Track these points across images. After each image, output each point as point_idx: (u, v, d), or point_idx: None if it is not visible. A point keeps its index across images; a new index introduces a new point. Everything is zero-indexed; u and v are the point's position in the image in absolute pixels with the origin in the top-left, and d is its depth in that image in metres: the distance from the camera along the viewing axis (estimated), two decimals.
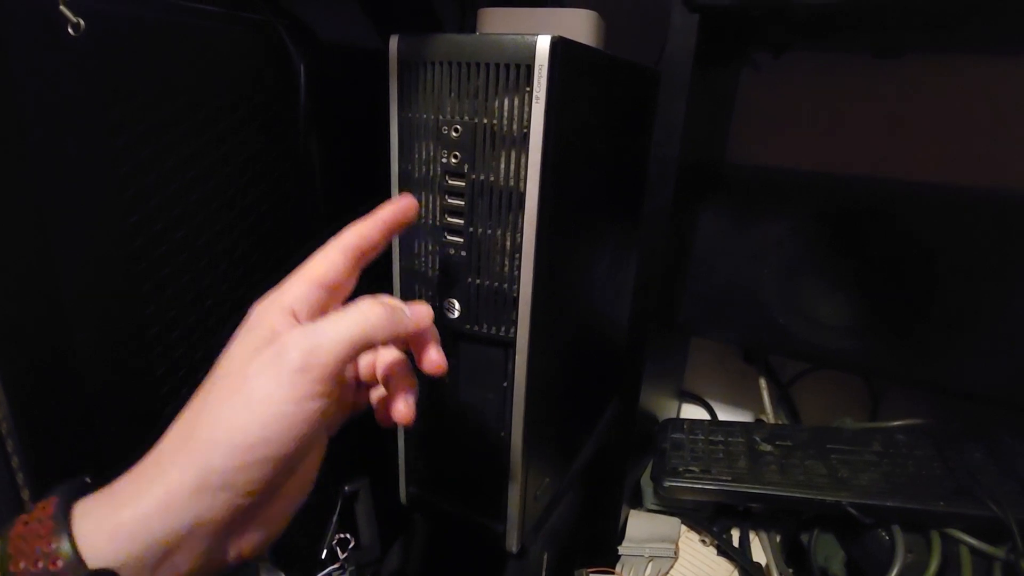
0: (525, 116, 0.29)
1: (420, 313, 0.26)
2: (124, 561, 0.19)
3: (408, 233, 0.35)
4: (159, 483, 0.20)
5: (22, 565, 0.18)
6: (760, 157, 0.54)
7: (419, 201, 0.34)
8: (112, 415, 0.29)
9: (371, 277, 0.39)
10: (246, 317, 0.24)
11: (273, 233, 0.37)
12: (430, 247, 0.34)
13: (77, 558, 0.18)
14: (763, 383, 0.57)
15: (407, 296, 0.37)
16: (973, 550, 0.39)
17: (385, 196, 0.35)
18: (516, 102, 0.29)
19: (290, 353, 0.21)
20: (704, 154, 0.50)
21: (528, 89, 0.28)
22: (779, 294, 0.49)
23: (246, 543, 0.22)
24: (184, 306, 0.32)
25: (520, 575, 0.39)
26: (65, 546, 0.18)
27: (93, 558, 0.18)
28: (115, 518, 0.19)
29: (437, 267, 0.34)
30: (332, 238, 0.26)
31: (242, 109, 0.34)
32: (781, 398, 0.58)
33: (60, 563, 0.18)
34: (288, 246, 0.38)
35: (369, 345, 0.23)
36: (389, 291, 0.37)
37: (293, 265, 0.26)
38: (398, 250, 0.36)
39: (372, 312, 0.24)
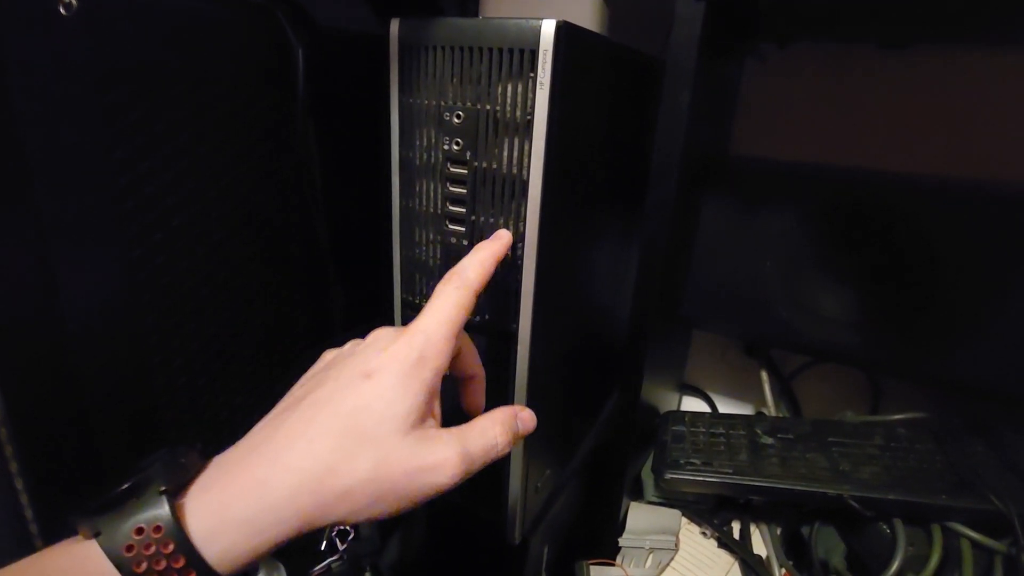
0: (529, 102, 0.28)
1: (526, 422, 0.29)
2: (233, 566, 0.21)
3: (409, 222, 0.34)
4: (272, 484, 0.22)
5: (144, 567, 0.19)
6: (764, 149, 0.54)
7: (420, 190, 0.33)
8: (110, 418, 0.29)
9: (373, 269, 0.39)
10: (392, 339, 0.25)
11: (271, 220, 0.37)
12: (431, 236, 0.34)
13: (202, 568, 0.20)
14: (764, 376, 0.57)
15: (407, 287, 0.36)
16: (974, 544, 0.39)
17: (386, 183, 0.35)
18: (519, 88, 0.28)
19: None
20: (708, 145, 0.49)
21: (532, 75, 0.28)
22: (781, 287, 0.49)
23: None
24: (181, 292, 0.32)
25: (520, 567, 0.39)
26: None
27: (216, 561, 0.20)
28: (231, 518, 0.21)
29: (439, 257, 0.34)
30: (458, 281, 0.27)
31: (239, 95, 0.33)
32: (782, 391, 0.58)
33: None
34: (286, 234, 0.38)
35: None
36: (390, 285, 0.37)
37: (290, 255, 0.26)
38: (399, 239, 0.35)
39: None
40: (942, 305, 0.43)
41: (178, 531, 0.20)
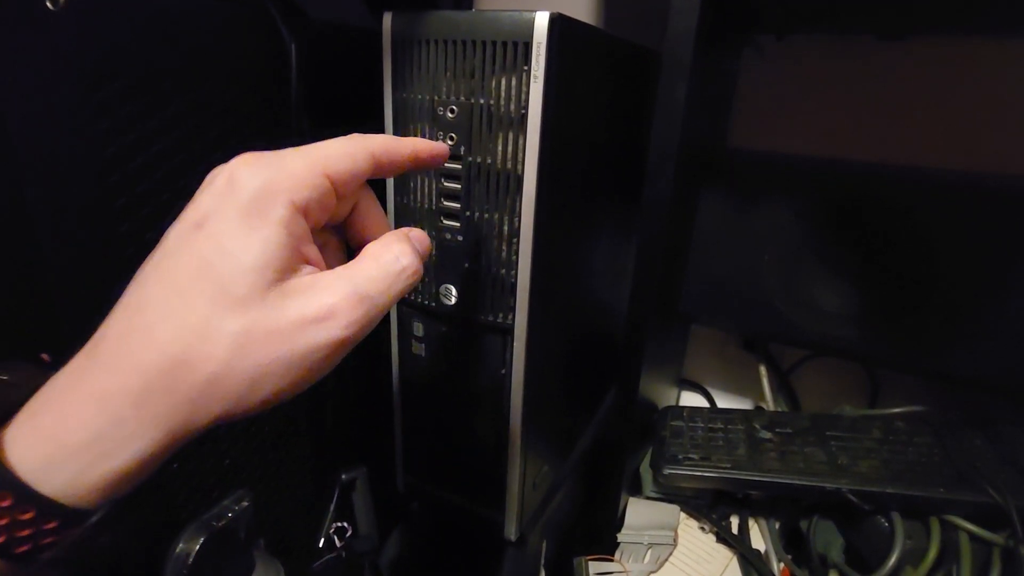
0: (523, 96, 0.28)
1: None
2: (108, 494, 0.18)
3: (403, 218, 0.34)
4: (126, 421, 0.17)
5: None
6: (762, 142, 0.54)
7: (414, 186, 0.33)
8: None
9: None
10: (226, 177, 0.19)
11: None
12: (426, 232, 0.33)
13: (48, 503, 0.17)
14: (763, 370, 0.57)
15: None
16: (972, 536, 0.39)
17: (380, 180, 0.35)
18: (514, 81, 0.28)
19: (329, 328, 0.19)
20: (706, 139, 0.49)
21: (526, 68, 0.28)
22: (780, 281, 0.48)
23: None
24: None
25: (519, 564, 0.39)
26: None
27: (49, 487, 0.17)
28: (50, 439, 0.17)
29: (433, 253, 0.34)
30: (354, 135, 0.22)
31: (232, 90, 0.33)
32: (781, 385, 0.58)
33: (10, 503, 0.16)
34: None
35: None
36: None
37: None
38: None
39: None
40: (940, 298, 0.43)
41: None
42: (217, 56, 0.31)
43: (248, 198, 0.18)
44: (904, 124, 0.48)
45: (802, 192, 0.47)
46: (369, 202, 0.24)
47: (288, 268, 0.19)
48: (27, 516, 0.17)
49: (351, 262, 0.21)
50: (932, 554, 0.38)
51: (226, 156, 0.33)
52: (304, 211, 0.19)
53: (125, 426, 0.17)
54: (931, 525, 0.39)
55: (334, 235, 0.24)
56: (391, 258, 0.21)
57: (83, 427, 0.17)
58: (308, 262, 0.20)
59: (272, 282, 0.18)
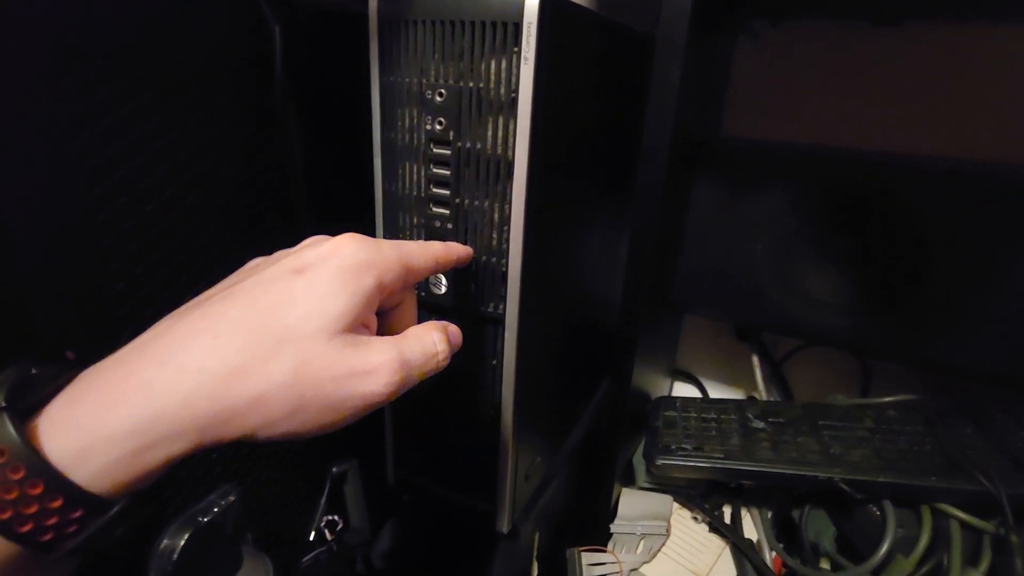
0: (513, 79, 0.27)
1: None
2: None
3: (392, 206, 0.33)
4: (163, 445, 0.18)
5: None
6: (755, 130, 0.53)
7: (402, 172, 0.32)
8: None
9: None
10: (333, 244, 0.22)
11: (250, 207, 0.36)
12: (415, 220, 0.33)
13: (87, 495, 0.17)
14: (756, 360, 0.56)
15: None
16: (963, 524, 0.39)
17: (368, 166, 0.34)
18: (503, 64, 0.27)
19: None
20: (699, 126, 0.48)
21: (516, 49, 0.27)
22: (773, 270, 0.48)
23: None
24: (155, 284, 0.31)
25: (511, 556, 0.39)
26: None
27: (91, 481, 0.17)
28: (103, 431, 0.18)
29: (424, 239, 0.33)
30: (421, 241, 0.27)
31: (212, 75, 0.32)
32: (773, 375, 0.58)
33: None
34: (267, 221, 0.37)
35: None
36: None
37: (272, 242, 0.24)
38: (382, 224, 0.34)
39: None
40: (933, 288, 0.43)
41: (29, 452, 0.16)
42: (198, 39, 0.30)
43: (349, 264, 0.22)
44: (898, 111, 0.48)
45: (796, 180, 0.46)
46: (412, 300, 0.27)
47: (354, 327, 0.21)
48: (55, 504, 0.17)
49: (399, 335, 0.24)
50: (923, 542, 0.38)
51: (209, 142, 0.32)
52: (382, 289, 0.23)
53: (167, 423, 0.18)
54: (922, 513, 0.40)
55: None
56: (431, 341, 0.24)
57: (125, 417, 0.18)
58: (368, 327, 0.24)
59: (339, 331, 0.21)
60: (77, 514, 0.17)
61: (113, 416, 0.18)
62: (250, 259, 0.25)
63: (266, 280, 0.21)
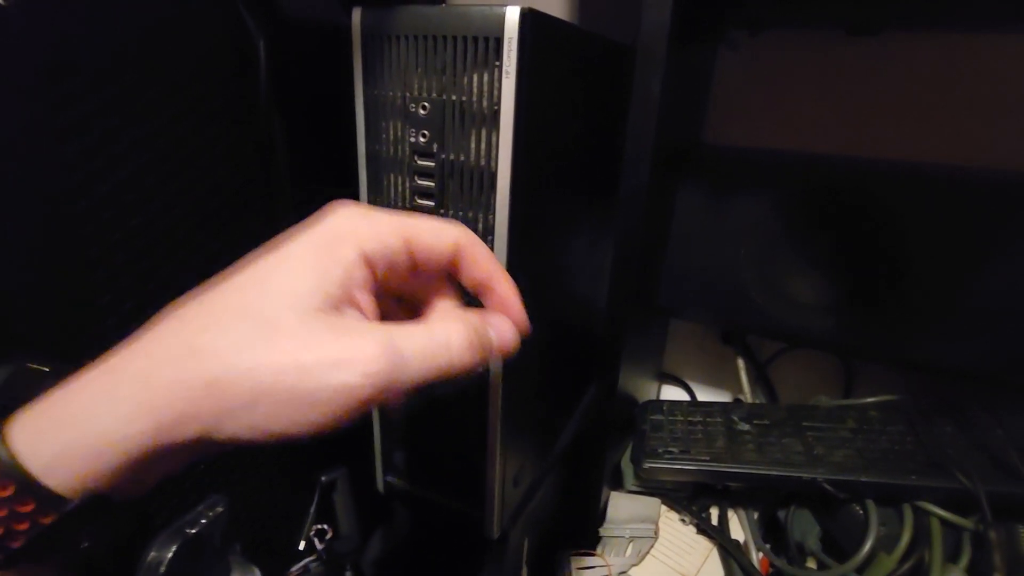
0: (495, 92, 0.28)
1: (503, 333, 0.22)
2: (102, 484, 0.17)
3: None
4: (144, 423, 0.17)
5: None
6: (737, 137, 0.54)
7: (388, 182, 0.33)
8: None
9: None
10: (319, 214, 0.20)
11: (236, 220, 0.36)
12: None
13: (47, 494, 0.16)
14: (741, 363, 0.57)
15: None
16: (943, 522, 0.39)
17: (354, 178, 0.34)
18: (485, 77, 0.28)
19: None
20: (681, 134, 0.49)
21: (497, 63, 0.27)
22: (756, 274, 0.49)
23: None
24: (142, 298, 0.31)
25: (500, 561, 0.39)
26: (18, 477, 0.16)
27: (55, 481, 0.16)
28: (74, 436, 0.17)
29: None
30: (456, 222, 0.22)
31: (197, 87, 0.32)
32: (758, 377, 0.58)
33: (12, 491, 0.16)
34: (253, 234, 0.37)
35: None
36: None
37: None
38: None
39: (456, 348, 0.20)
40: (912, 289, 0.44)
41: None
42: (183, 52, 0.31)
43: (325, 233, 0.19)
44: (876, 118, 0.49)
45: (777, 186, 0.47)
46: (449, 288, 0.23)
47: (333, 306, 0.18)
48: (27, 508, 0.16)
49: (408, 322, 0.20)
50: (905, 540, 0.39)
51: (194, 154, 0.32)
52: (370, 262, 0.19)
53: (124, 409, 0.17)
54: (904, 512, 0.40)
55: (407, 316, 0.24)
56: (443, 332, 0.19)
57: (85, 403, 0.17)
58: (359, 309, 0.19)
59: (312, 311, 0.18)
60: (27, 507, 0.16)
61: (73, 402, 0.17)
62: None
63: (241, 266, 0.19)
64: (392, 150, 0.32)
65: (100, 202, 0.28)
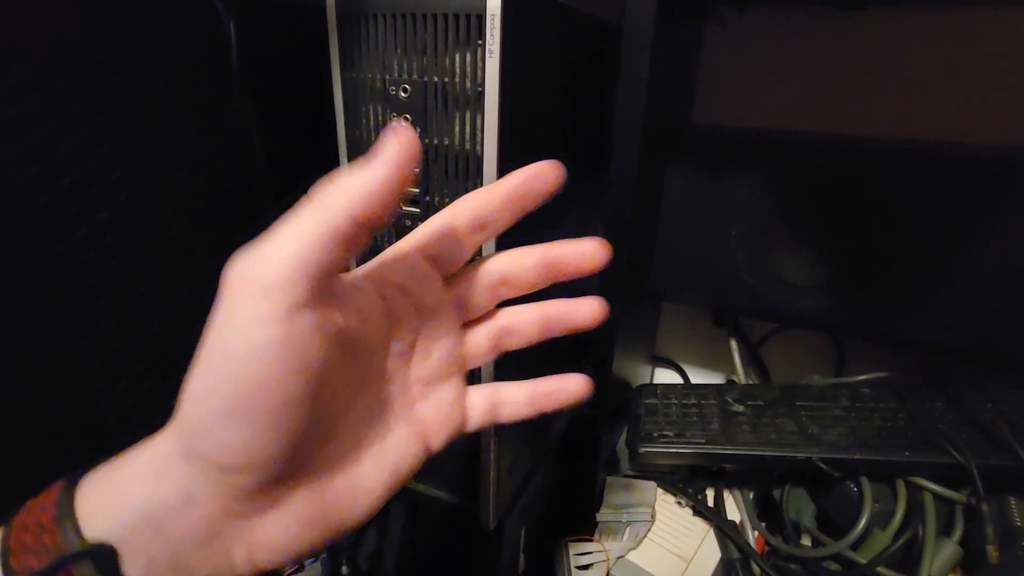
0: (478, 72, 0.27)
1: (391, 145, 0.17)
2: (120, 533, 0.16)
3: None
4: (151, 446, 0.17)
5: (24, 560, 0.16)
6: (726, 116, 0.53)
7: None
8: (35, 415, 0.27)
9: None
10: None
11: (210, 212, 0.35)
12: None
13: (76, 535, 0.16)
14: (733, 344, 0.57)
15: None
16: (936, 496, 0.40)
17: (334, 166, 0.33)
18: (468, 57, 0.27)
19: (236, 275, 0.16)
20: (670, 113, 0.48)
21: (480, 42, 0.26)
22: (747, 255, 0.48)
23: (260, 543, 0.17)
24: (114, 294, 0.29)
25: (497, 551, 0.39)
26: (68, 529, 0.16)
27: (91, 529, 0.16)
28: (110, 483, 0.17)
29: (393, 240, 0.32)
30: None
31: (164, 74, 0.30)
32: (751, 358, 0.58)
33: (59, 541, 0.16)
34: (229, 225, 0.36)
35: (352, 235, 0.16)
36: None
37: (236, 246, 0.23)
38: None
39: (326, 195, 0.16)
40: (901, 266, 0.44)
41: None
42: (144, 35, 0.29)
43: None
44: (864, 95, 0.49)
45: (766, 165, 0.47)
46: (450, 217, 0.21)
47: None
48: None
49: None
50: (899, 515, 0.39)
51: (163, 144, 0.31)
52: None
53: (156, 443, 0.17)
54: (897, 488, 0.41)
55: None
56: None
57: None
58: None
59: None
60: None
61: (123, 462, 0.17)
62: (211, 269, 0.23)
63: None
64: (373, 135, 0.30)
65: (62, 196, 0.26)
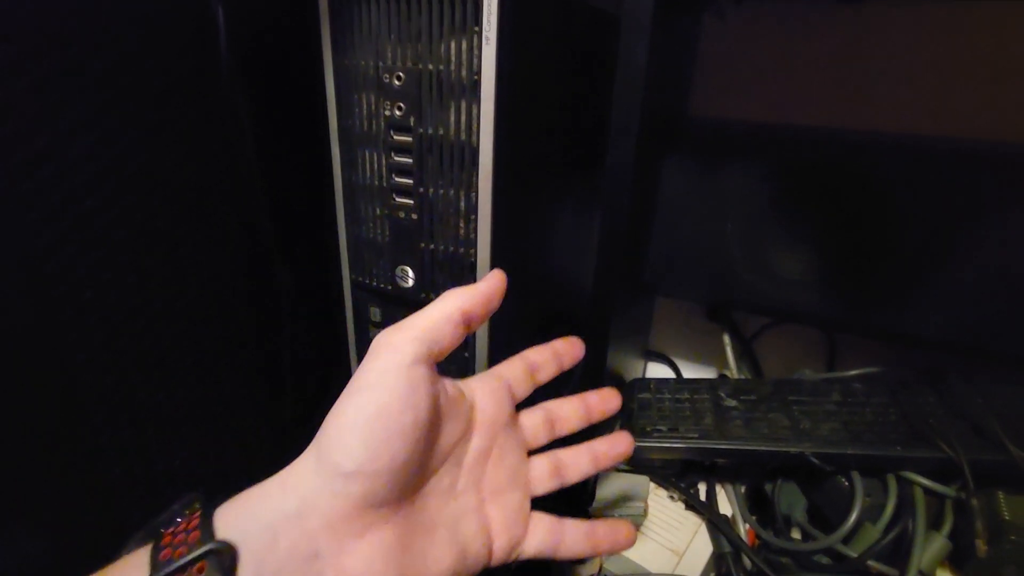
0: (475, 60, 0.26)
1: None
2: (243, 538, 0.19)
3: (353, 196, 0.32)
4: (287, 468, 0.21)
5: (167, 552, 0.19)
6: (723, 109, 0.53)
7: (363, 159, 0.31)
8: (18, 416, 0.26)
9: (320, 249, 0.36)
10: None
11: (202, 200, 0.34)
12: (378, 211, 0.31)
13: (210, 534, 0.19)
14: (726, 339, 0.57)
15: (356, 267, 0.34)
16: (927, 490, 0.40)
17: (326, 155, 0.32)
18: (464, 45, 0.26)
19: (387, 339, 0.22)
20: (667, 106, 0.48)
21: (477, 29, 0.26)
22: (742, 250, 0.48)
23: (347, 571, 0.20)
24: (98, 285, 0.29)
25: None
26: (205, 530, 0.19)
27: (223, 531, 0.19)
28: (247, 496, 0.21)
29: (387, 233, 0.32)
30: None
31: (151, 60, 0.29)
32: (744, 353, 0.58)
33: (197, 539, 0.19)
34: (220, 214, 0.35)
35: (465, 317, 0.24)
36: (338, 259, 0.35)
37: (227, 237, 0.23)
38: (344, 216, 0.33)
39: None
40: (895, 261, 0.44)
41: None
42: (130, 19, 0.28)
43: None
44: (861, 88, 0.48)
45: (762, 159, 0.46)
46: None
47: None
48: None
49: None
50: (889, 509, 0.40)
51: (150, 132, 0.30)
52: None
53: None
54: (888, 482, 0.41)
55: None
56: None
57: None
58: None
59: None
60: None
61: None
62: (200, 261, 0.24)
63: None
64: (366, 124, 0.30)
65: (45, 185, 0.25)
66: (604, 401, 0.31)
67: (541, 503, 0.28)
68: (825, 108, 0.50)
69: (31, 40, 0.24)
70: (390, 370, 0.21)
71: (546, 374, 0.30)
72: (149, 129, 0.30)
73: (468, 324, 0.24)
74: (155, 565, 0.19)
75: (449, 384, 0.25)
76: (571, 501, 0.48)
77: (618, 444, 0.31)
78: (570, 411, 0.30)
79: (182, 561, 0.19)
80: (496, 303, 0.25)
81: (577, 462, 0.30)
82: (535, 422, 0.29)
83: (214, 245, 0.24)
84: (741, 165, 0.47)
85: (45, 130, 0.25)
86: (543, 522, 0.28)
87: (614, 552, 0.29)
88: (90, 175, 0.27)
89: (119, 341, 0.30)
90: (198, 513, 0.20)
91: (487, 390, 0.27)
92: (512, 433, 0.27)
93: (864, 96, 0.48)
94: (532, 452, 0.29)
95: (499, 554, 0.26)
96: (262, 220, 0.37)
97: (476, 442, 0.26)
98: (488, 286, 0.25)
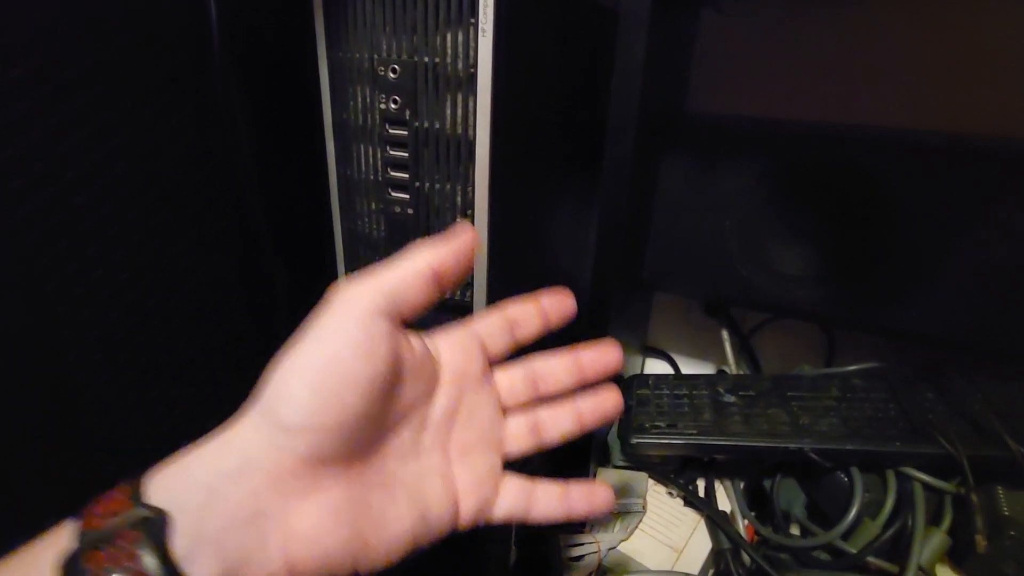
0: (471, 52, 0.26)
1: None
2: (177, 503, 0.18)
3: (348, 191, 0.32)
4: (225, 426, 0.20)
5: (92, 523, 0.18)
6: (721, 105, 0.53)
7: (358, 153, 0.30)
8: (9, 415, 0.26)
9: (316, 245, 0.36)
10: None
11: (195, 195, 0.33)
12: (373, 206, 0.31)
13: (138, 502, 0.18)
14: (725, 335, 0.57)
15: (352, 263, 0.34)
16: (926, 486, 0.40)
17: (321, 149, 0.32)
18: (460, 37, 0.26)
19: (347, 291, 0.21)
20: (666, 101, 0.48)
21: (473, 20, 0.25)
22: (741, 245, 0.48)
23: (294, 532, 0.19)
24: (92, 283, 0.28)
25: (488, 544, 0.38)
26: (134, 498, 0.18)
27: (154, 499, 0.18)
28: (180, 461, 0.19)
29: (383, 228, 0.31)
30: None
31: (142, 53, 0.29)
32: (742, 349, 0.58)
33: (124, 508, 0.18)
34: (213, 212, 0.34)
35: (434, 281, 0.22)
36: (333, 255, 0.34)
37: (220, 233, 0.23)
38: (339, 211, 0.32)
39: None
40: (894, 257, 0.44)
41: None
42: (122, 12, 0.28)
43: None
44: (861, 84, 0.48)
45: (761, 154, 0.46)
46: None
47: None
48: None
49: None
50: (888, 505, 0.40)
51: (142, 126, 0.29)
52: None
53: None
54: (887, 477, 0.41)
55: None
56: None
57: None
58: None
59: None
60: None
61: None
62: (194, 257, 0.24)
63: None
64: (361, 118, 0.29)
65: (34, 183, 0.25)
66: (600, 356, 0.27)
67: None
68: (823, 103, 0.50)
69: (19, 35, 0.23)
70: (346, 320, 0.20)
71: (528, 330, 0.26)
72: (141, 124, 0.29)
73: (440, 283, 0.22)
74: (80, 539, 0.17)
75: (415, 340, 0.23)
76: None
77: (605, 401, 0.27)
78: (557, 367, 0.26)
79: (106, 531, 0.17)
80: (469, 261, 0.23)
81: (556, 421, 0.26)
82: (513, 379, 0.26)
83: (207, 240, 0.23)
84: (740, 161, 0.46)
85: (34, 126, 0.25)
86: (514, 484, 0.25)
87: (591, 516, 0.26)
88: (80, 172, 0.27)
89: (112, 339, 0.30)
90: (126, 481, 0.18)
91: (454, 344, 0.24)
92: (484, 390, 0.25)
93: (862, 91, 0.48)
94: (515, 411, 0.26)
95: (467, 516, 0.24)
96: (256, 215, 0.37)
97: (442, 400, 0.24)
98: (461, 241, 0.22)
